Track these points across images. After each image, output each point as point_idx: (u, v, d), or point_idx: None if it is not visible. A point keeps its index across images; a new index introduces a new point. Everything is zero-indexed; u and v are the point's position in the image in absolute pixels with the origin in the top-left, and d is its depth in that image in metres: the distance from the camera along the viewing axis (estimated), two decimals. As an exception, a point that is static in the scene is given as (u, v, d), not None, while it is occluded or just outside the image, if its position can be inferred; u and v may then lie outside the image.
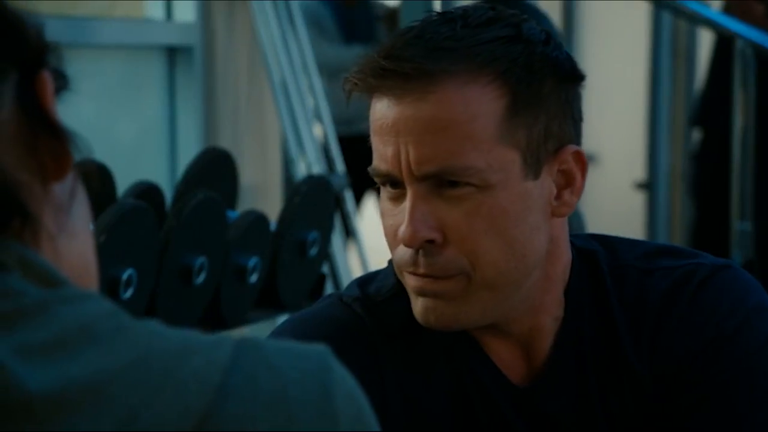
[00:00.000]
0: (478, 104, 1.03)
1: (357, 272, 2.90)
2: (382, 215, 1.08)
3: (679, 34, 4.25)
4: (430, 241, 1.04)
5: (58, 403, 0.59)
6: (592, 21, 4.63)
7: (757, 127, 2.70)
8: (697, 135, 3.89)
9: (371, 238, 4.11)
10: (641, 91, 4.33)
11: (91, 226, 0.71)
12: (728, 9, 3.22)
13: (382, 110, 1.05)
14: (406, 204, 1.04)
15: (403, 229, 1.04)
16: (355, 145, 3.86)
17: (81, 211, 0.70)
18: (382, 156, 1.05)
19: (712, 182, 3.30)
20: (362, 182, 4.08)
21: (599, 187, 4.22)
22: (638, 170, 4.30)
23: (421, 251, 1.04)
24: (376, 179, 1.07)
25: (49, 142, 0.66)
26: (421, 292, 1.06)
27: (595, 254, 1.13)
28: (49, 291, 0.63)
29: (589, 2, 4.62)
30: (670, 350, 1.10)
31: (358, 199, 3.98)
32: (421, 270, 1.05)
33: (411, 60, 1.02)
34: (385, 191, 1.07)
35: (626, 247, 1.15)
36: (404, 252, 1.05)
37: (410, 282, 1.07)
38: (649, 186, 4.24)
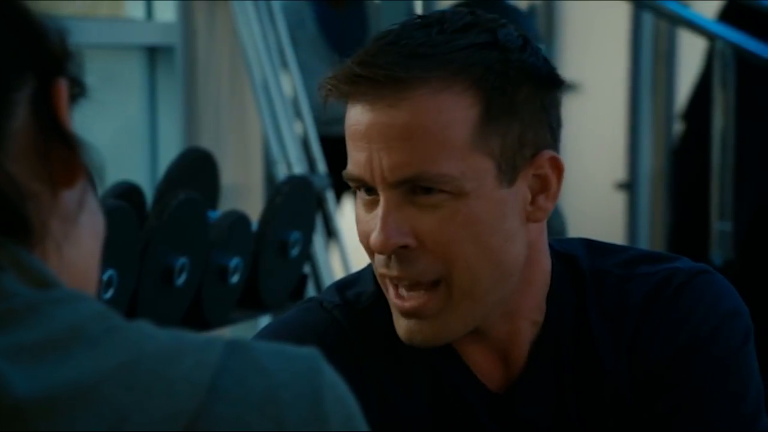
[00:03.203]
0: (452, 111, 1.02)
1: (339, 272, 2.90)
2: (357, 221, 1.08)
3: (660, 34, 4.27)
4: (404, 247, 1.04)
5: (47, 408, 0.59)
6: (573, 21, 4.64)
7: (736, 128, 2.72)
8: (679, 128, 3.90)
9: (353, 238, 4.11)
10: (622, 91, 4.35)
11: (102, 234, 0.71)
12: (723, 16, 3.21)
13: (355, 116, 1.04)
14: (379, 211, 1.04)
15: (375, 235, 1.03)
16: (335, 146, 3.85)
17: (89, 220, 0.70)
18: (355, 161, 1.05)
19: (692, 181, 3.31)
20: (341, 183, 4.09)
21: (580, 188, 4.24)
22: (619, 171, 4.32)
23: (393, 257, 1.04)
24: (350, 183, 1.07)
25: (61, 152, 0.67)
26: (405, 314, 1.06)
27: (575, 258, 1.13)
28: (41, 292, 0.63)
29: (570, 3, 4.63)
30: (647, 356, 1.10)
31: (338, 199, 3.97)
32: (394, 272, 1.05)
33: (383, 67, 1.02)
34: (360, 197, 1.07)
35: (607, 253, 1.15)
36: (378, 258, 1.06)
37: (392, 300, 1.07)
38: (629, 186, 4.25)
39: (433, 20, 1.05)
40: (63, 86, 0.67)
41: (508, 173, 1.05)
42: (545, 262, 1.11)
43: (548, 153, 1.07)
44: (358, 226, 1.08)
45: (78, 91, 0.69)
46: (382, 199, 1.04)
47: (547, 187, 1.07)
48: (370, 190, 1.06)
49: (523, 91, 1.05)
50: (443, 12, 1.07)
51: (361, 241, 1.08)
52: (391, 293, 1.07)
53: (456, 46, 1.03)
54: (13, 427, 0.59)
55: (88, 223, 0.70)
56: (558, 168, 1.07)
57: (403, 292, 1.06)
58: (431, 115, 1.02)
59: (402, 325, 1.07)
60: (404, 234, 1.03)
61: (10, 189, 0.64)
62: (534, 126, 1.06)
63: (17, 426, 0.59)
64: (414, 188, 1.03)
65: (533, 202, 1.07)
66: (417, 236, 1.04)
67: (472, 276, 1.04)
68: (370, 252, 1.07)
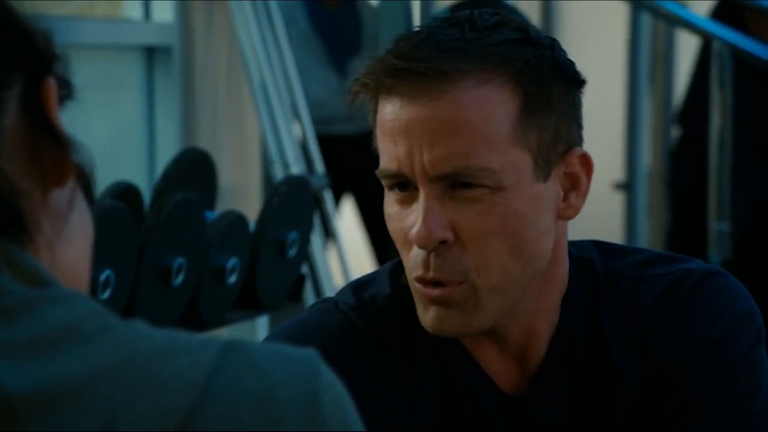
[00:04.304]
0: (493, 105, 1.03)
1: (336, 273, 2.90)
2: (390, 219, 1.07)
3: (658, 35, 4.27)
4: (443, 242, 1.03)
5: (38, 403, 0.60)
6: (571, 22, 4.64)
7: (734, 128, 2.72)
8: (675, 132, 3.91)
9: (350, 239, 4.11)
10: (620, 91, 4.35)
11: (92, 234, 0.71)
12: (748, 26, 3.21)
13: (393, 111, 1.04)
14: (419, 205, 1.03)
15: (417, 229, 1.03)
16: (332, 146, 3.85)
17: (80, 219, 0.70)
18: (392, 156, 1.04)
19: (691, 181, 3.31)
20: (339, 183, 4.08)
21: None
22: (617, 171, 4.31)
23: (432, 253, 1.04)
24: (384, 181, 1.06)
25: (51, 150, 0.67)
26: (432, 302, 1.05)
27: (591, 262, 1.14)
28: (35, 290, 0.64)
29: (568, 3, 4.63)
30: (659, 356, 1.10)
31: (336, 200, 3.97)
32: (431, 274, 1.04)
33: (425, 60, 1.02)
34: (393, 194, 1.06)
35: (621, 255, 1.15)
36: (417, 254, 1.05)
37: (419, 290, 1.06)
38: (627, 186, 4.25)
39: (463, 19, 1.06)
40: (52, 85, 0.68)
41: (544, 168, 1.05)
42: (566, 262, 1.12)
43: (579, 150, 1.08)
44: (391, 223, 1.07)
45: (66, 92, 0.70)
46: (422, 193, 1.04)
47: (577, 184, 1.08)
48: (405, 187, 1.05)
49: (557, 87, 1.06)
50: (471, 13, 1.07)
51: (396, 238, 1.07)
52: (418, 285, 1.06)
53: (491, 42, 1.04)
54: (4, 423, 0.59)
55: (78, 223, 0.70)
56: (588, 165, 1.08)
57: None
58: (473, 109, 1.02)
59: (429, 315, 1.06)
60: (444, 228, 1.03)
61: (3, 185, 0.64)
62: (566, 122, 1.07)
63: (7, 421, 0.59)
64: (454, 183, 1.03)
65: (565, 199, 1.08)
66: (455, 230, 1.03)
67: (503, 272, 1.04)
68: (407, 248, 1.06)
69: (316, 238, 2.71)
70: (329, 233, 3.00)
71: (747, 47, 2.72)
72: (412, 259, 1.05)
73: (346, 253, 2.96)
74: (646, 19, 4.16)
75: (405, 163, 1.03)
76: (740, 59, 2.71)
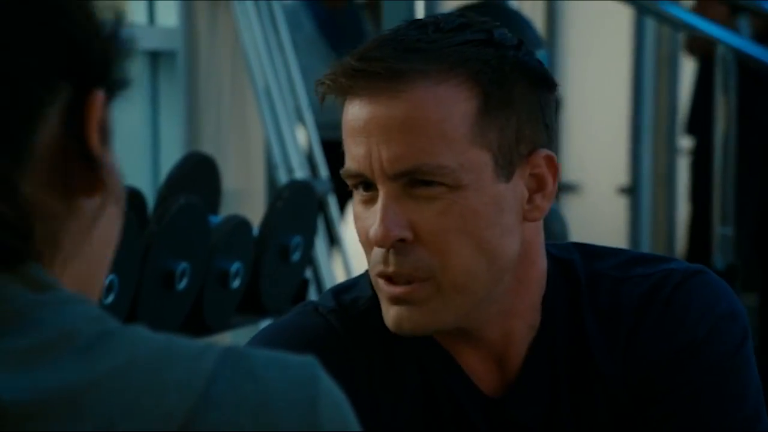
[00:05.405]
0: (450, 104, 1.04)
1: (341, 277, 2.90)
2: (355, 219, 1.08)
3: (663, 39, 4.27)
4: (401, 240, 1.04)
5: (32, 413, 0.59)
6: (576, 26, 4.64)
7: (739, 133, 2.71)
8: (688, 143, 3.92)
9: (354, 243, 4.10)
10: (625, 95, 4.35)
11: (114, 243, 0.71)
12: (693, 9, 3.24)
13: (354, 111, 1.05)
14: (378, 204, 1.04)
15: (375, 228, 1.04)
16: (338, 151, 3.84)
17: (104, 228, 0.69)
18: (353, 156, 1.06)
19: (707, 188, 3.31)
20: (345, 188, 4.08)
21: (582, 192, 4.24)
22: (621, 175, 4.31)
23: (392, 250, 1.04)
24: (348, 181, 1.08)
25: (82, 166, 0.66)
26: (394, 300, 1.06)
27: (572, 263, 1.13)
28: (36, 295, 0.63)
29: (573, 7, 4.63)
30: (643, 357, 1.10)
31: (342, 204, 3.97)
32: (391, 269, 1.05)
33: (382, 60, 1.03)
34: (358, 195, 1.08)
35: (603, 257, 1.15)
36: (377, 252, 1.06)
37: (383, 288, 1.07)
38: (632, 190, 4.25)
39: (428, 21, 1.07)
40: (99, 99, 0.66)
41: (505, 168, 1.05)
42: (541, 263, 1.11)
43: (544, 152, 1.08)
44: (356, 223, 1.08)
45: (118, 91, 0.67)
46: (381, 192, 1.05)
47: (543, 186, 1.08)
48: (368, 187, 1.06)
49: (519, 87, 1.06)
50: (437, 15, 1.09)
51: (360, 238, 1.08)
52: (381, 283, 1.07)
53: (452, 42, 1.05)
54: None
55: (102, 232, 0.69)
56: (554, 167, 1.08)
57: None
58: (430, 108, 1.03)
59: (391, 314, 1.06)
60: (402, 227, 1.04)
61: (19, 217, 0.63)
62: (530, 123, 1.07)
63: (3, 430, 0.59)
64: (412, 181, 1.04)
65: (530, 200, 1.08)
66: (414, 229, 1.04)
67: (466, 270, 1.05)
68: (369, 248, 1.07)
69: (320, 243, 2.71)
70: (333, 238, 3.00)
71: (751, 52, 2.72)
72: (374, 256, 1.06)
73: (351, 257, 2.96)
74: (650, 22, 4.16)
75: (364, 162, 1.04)
76: (744, 63, 2.71)
